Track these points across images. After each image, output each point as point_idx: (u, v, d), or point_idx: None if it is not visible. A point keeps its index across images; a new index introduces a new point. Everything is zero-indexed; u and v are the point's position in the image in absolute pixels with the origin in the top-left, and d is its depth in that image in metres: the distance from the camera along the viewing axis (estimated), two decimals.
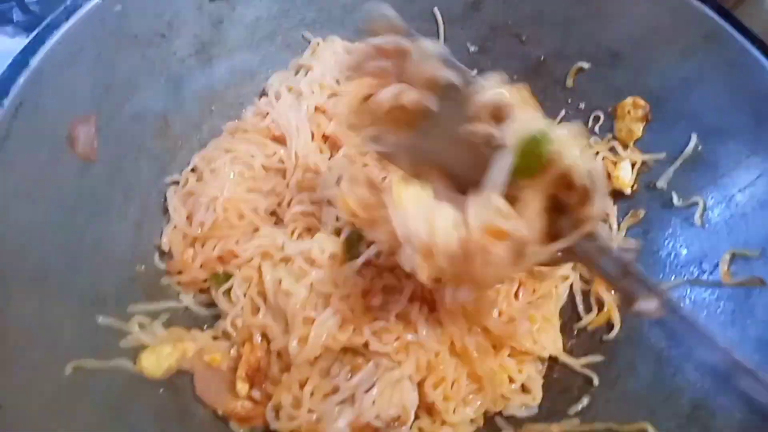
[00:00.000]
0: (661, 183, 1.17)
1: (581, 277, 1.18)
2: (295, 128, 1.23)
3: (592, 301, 1.16)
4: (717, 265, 1.05)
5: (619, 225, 1.21)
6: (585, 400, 1.05)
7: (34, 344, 0.85)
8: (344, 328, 0.97)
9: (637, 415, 0.99)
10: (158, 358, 0.98)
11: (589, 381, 1.08)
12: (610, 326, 1.13)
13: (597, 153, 1.25)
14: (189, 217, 1.15)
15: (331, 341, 0.96)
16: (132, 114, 1.14)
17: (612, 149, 1.26)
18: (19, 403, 0.77)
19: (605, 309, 1.14)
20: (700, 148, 1.12)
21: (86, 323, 0.96)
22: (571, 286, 1.17)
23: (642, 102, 1.21)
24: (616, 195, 1.23)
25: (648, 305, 0.74)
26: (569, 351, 1.13)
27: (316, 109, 1.27)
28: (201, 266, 1.12)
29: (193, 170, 1.22)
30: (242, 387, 0.99)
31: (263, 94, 1.33)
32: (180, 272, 1.12)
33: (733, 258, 1.03)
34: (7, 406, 0.75)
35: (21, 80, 0.94)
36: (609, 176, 1.22)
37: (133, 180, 1.14)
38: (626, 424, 0.98)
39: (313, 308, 0.98)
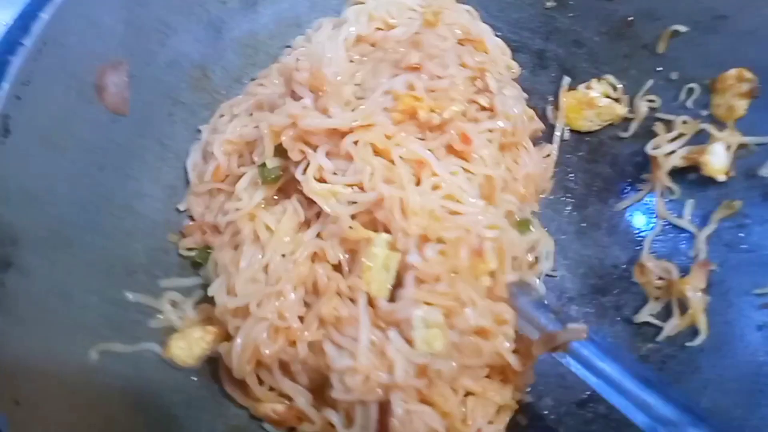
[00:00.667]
0: (764, 171, 1.02)
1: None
2: (328, 58, 1.00)
3: (673, 303, 1.03)
4: None
5: (710, 217, 1.06)
6: None
7: (54, 323, 0.75)
8: None
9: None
10: (189, 344, 0.88)
11: None
12: (694, 332, 1.00)
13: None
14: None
15: None
16: (167, 61, 1.02)
17: (701, 131, 1.10)
18: (37, 398, 0.67)
19: (689, 311, 1.00)
20: None
21: (114, 299, 0.86)
22: None
23: (749, 74, 1.04)
24: (707, 182, 1.08)
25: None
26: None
27: (359, 39, 1.06)
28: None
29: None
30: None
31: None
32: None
33: None
34: (24, 402, 0.65)
35: (45, 17, 0.81)
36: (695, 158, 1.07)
37: (167, 138, 1.03)
38: None
39: None
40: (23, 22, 0.81)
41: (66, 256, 0.81)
